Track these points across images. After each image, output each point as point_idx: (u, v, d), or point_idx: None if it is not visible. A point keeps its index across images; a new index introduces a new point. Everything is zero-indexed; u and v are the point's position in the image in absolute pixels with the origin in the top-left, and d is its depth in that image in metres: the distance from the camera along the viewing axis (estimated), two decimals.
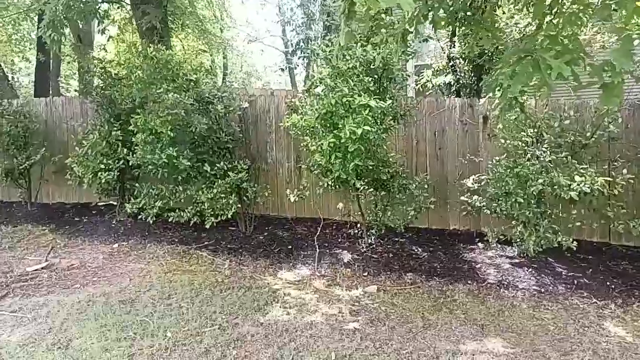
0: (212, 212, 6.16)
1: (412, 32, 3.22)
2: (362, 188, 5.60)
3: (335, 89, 5.00)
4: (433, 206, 5.90)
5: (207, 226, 6.14)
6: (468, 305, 4.50)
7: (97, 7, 8.16)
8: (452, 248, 5.93)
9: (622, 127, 5.51)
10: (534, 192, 4.91)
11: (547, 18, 3.10)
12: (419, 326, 4.06)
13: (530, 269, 5.21)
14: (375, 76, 5.45)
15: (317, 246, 6.00)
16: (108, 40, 10.46)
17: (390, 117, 5.55)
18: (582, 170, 4.81)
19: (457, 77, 8.32)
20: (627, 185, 5.09)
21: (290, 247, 6.08)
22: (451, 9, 3.55)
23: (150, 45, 6.34)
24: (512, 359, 3.53)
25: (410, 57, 6.28)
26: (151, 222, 6.34)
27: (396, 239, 6.12)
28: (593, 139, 5.29)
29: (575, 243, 4.91)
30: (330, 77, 5.21)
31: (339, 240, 6.24)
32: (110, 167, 6.48)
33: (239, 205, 6.38)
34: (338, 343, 3.74)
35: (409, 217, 5.80)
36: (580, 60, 2.48)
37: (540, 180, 4.82)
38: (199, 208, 6.26)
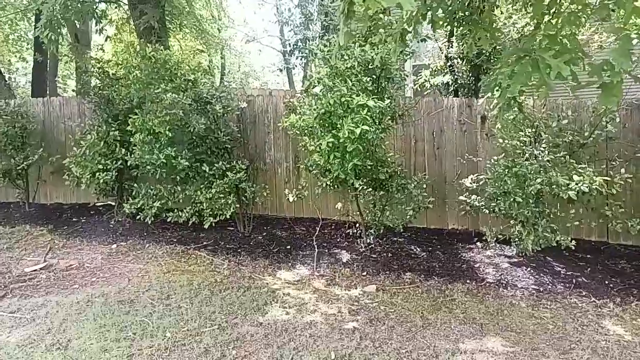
0: (210, 212, 6.15)
1: (410, 32, 3.22)
2: (360, 188, 5.60)
3: (333, 89, 5.00)
4: (432, 206, 5.91)
5: (206, 226, 6.14)
6: (467, 304, 4.51)
7: (95, 7, 8.15)
8: (451, 247, 5.94)
9: (619, 126, 5.53)
10: (533, 192, 4.92)
11: (546, 18, 3.11)
12: (418, 325, 4.06)
13: (528, 268, 5.22)
14: (374, 76, 5.46)
15: (316, 246, 6.00)
16: (106, 40, 10.43)
17: (389, 117, 5.55)
18: (580, 170, 4.82)
19: (455, 77, 8.33)
20: (625, 184, 5.11)
21: (289, 247, 6.08)
22: (449, 8, 3.56)
23: (148, 45, 6.33)
24: (512, 358, 3.54)
25: (409, 57, 6.28)
26: (150, 222, 6.33)
27: (395, 239, 6.13)
28: (591, 138, 5.31)
29: (573, 242, 4.93)
30: (328, 77, 5.21)
31: (338, 240, 6.24)
32: (108, 167, 6.46)
33: (238, 206, 6.38)
34: (337, 342, 3.74)
35: (408, 217, 5.80)
36: (579, 60, 2.48)
37: (539, 180, 4.83)
38: (198, 208, 6.26)
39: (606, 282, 4.91)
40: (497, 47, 6.93)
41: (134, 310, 4.31)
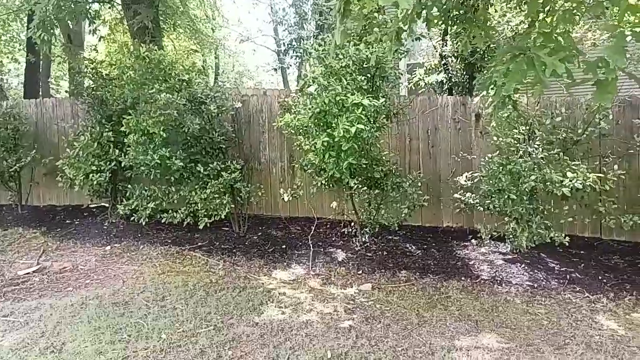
0: (205, 213, 6.13)
1: (406, 31, 3.22)
2: (355, 187, 5.60)
3: (328, 88, 5.00)
4: (426, 204, 5.92)
5: (201, 227, 6.11)
6: (462, 301, 4.53)
7: (88, 7, 8.09)
8: (446, 245, 5.95)
9: (612, 123, 5.56)
10: (527, 189, 4.94)
11: (541, 16, 3.12)
12: (414, 323, 4.07)
13: (523, 265, 5.25)
14: (368, 75, 5.46)
15: (311, 245, 5.99)
16: (99, 40, 10.37)
17: (384, 116, 5.56)
18: (574, 167, 4.85)
19: (449, 75, 8.36)
20: (618, 180, 5.14)
21: (284, 246, 6.07)
22: (444, 7, 3.56)
23: (142, 45, 6.30)
24: (507, 354, 3.56)
25: (403, 55, 6.29)
26: (144, 223, 6.29)
27: (390, 237, 6.14)
28: (584, 135, 5.34)
29: (567, 238, 4.95)
30: (323, 76, 5.20)
31: (333, 239, 6.24)
32: (102, 168, 6.41)
33: (233, 206, 6.36)
34: (334, 341, 3.74)
35: (403, 215, 5.81)
36: (574, 58, 2.50)
37: (533, 177, 4.85)
38: (192, 209, 6.23)
39: (600, 277, 4.94)
40: (491, 46, 6.96)
41: (129, 312, 4.28)
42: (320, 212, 6.85)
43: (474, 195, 5.61)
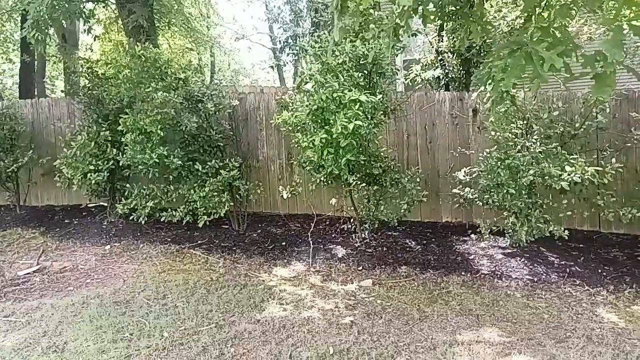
0: (204, 211, 6.13)
1: (403, 27, 3.21)
2: (354, 183, 5.61)
3: (325, 85, 4.99)
4: (425, 199, 5.93)
5: (200, 225, 6.11)
6: (463, 296, 4.54)
7: (82, 6, 8.05)
8: (445, 240, 5.97)
9: (609, 117, 5.58)
10: (525, 183, 4.96)
11: (537, 10, 3.12)
12: (415, 318, 4.09)
13: (522, 259, 5.27)
14: (365, 71, 5.45)
15: (311, 242, 6.00)
16: (94, 39, 10.33)
17: (381, 112, 5.56)
18: (572, 161, 4.86)
19: (446, 71, 8.36)
20: (616, 174, 5.15)
21: (284, 243, 6.08)
22: (440, 2, 3.56)
23: (138, 43, 6.28)
24: (508, 348, 3.58)
25: (400, 51, 6.29)
26: (143, 222, 6.29)
27: (389, 233, 6.15)
28: (582, 129, 5.35)
29: (566, 232, 4.97)
30: (320, 73, 5.20)
31: (333, 235, 6.25)
32: (99, 167, 6.40)
33: (232, 203, 6.35)
34: (335, 337, 3.75)
35: (402, 211, 5.83)
36: (571, 52, 2.50)
37: (531, 171, 4.87)
38: (191, 207, 6.22)
39: (599, 270, 4.97)
40: (488, 41, 6.96)
41: (130, 311, 4.28)
42: (319, 209, 6.86)
43: (472, 190, 5.62)
